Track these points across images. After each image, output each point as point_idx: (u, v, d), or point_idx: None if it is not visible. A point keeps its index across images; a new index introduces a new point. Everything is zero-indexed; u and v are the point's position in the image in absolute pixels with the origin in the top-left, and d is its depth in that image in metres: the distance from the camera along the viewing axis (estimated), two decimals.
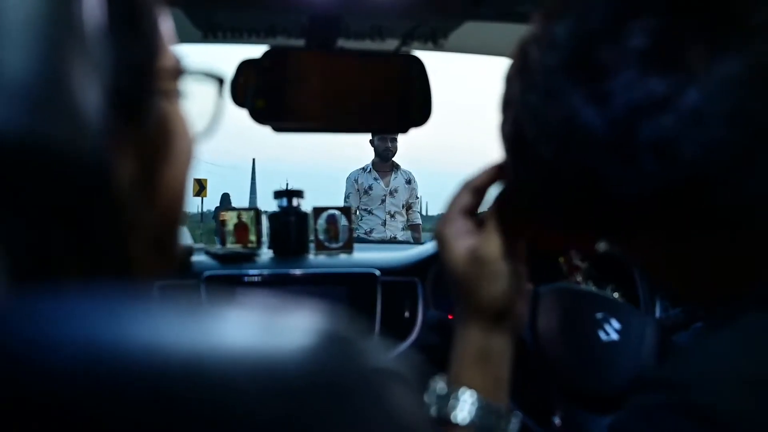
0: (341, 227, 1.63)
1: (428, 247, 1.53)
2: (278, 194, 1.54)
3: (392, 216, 4.03)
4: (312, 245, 1.59)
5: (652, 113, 0.43)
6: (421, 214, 4.30)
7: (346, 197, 4.09)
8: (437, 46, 1.31)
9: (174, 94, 0.40)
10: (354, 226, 2.37)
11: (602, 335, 1.01)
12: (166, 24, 0.40)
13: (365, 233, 3.97)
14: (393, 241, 3.76)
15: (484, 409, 0.61)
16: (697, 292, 0.52)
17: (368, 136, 4.10)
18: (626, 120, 0.44)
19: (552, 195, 0.51)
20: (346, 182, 4.14)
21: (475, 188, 0.66)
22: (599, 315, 1.03)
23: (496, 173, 0.65)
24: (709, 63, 0.42)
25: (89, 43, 0.31)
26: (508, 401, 0.64)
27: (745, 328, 0.45)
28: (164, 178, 0.39)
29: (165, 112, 0.39)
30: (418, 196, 4.20)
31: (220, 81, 0.44)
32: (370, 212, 4.03)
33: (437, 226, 0.68)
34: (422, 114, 1.17)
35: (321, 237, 1.61)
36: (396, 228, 4.04)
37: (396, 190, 4.05)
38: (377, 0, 1.08)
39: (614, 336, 1.01)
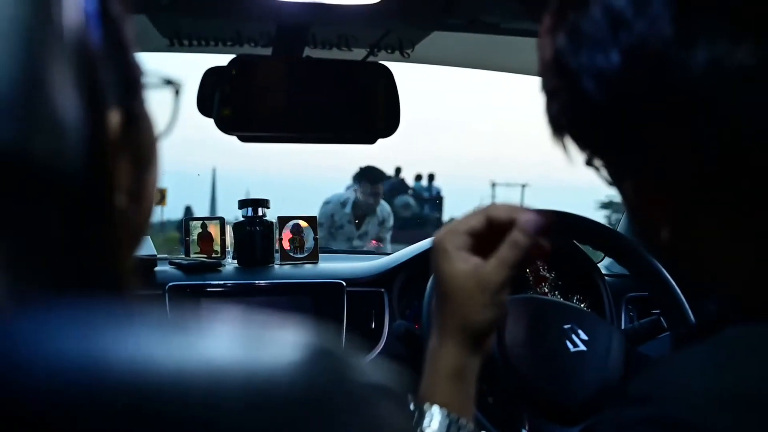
0: (307, 237, 1.62)
1: (394, 258, 1.53)
2: (243, 203, 1.52)
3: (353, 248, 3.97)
4: (277, 255, 1.57)
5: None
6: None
7: (320, 224, 3.98)
8: (404, 56, 1.31)
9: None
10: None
11: (570, 346, 1.02)
12: (132, 29, 0.39)
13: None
14: (359, 251, 3.74)
15: (454, 426, 0.61)
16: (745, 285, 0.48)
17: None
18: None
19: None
20: (322, 207, 4.02)
21: (492, 219, 0.65)
22: (567, 325, 1.04)
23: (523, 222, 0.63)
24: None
25: (71, 50, 0.30)
26: (474, 417, 0.64)
27: (723, 340, 0.44)
28: (147, 184, 0.38)
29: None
30: (390, 227, 4.12)
31: (177, 88, 0.44)
32: (334, 238, 3.97)
33: (439, 234, 0.66)
34: (389, 124, 1.16)
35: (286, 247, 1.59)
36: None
37: (366, 234, 3.99)
38: (344, 9, 1.08)
39: (582, 346, 1.01)
